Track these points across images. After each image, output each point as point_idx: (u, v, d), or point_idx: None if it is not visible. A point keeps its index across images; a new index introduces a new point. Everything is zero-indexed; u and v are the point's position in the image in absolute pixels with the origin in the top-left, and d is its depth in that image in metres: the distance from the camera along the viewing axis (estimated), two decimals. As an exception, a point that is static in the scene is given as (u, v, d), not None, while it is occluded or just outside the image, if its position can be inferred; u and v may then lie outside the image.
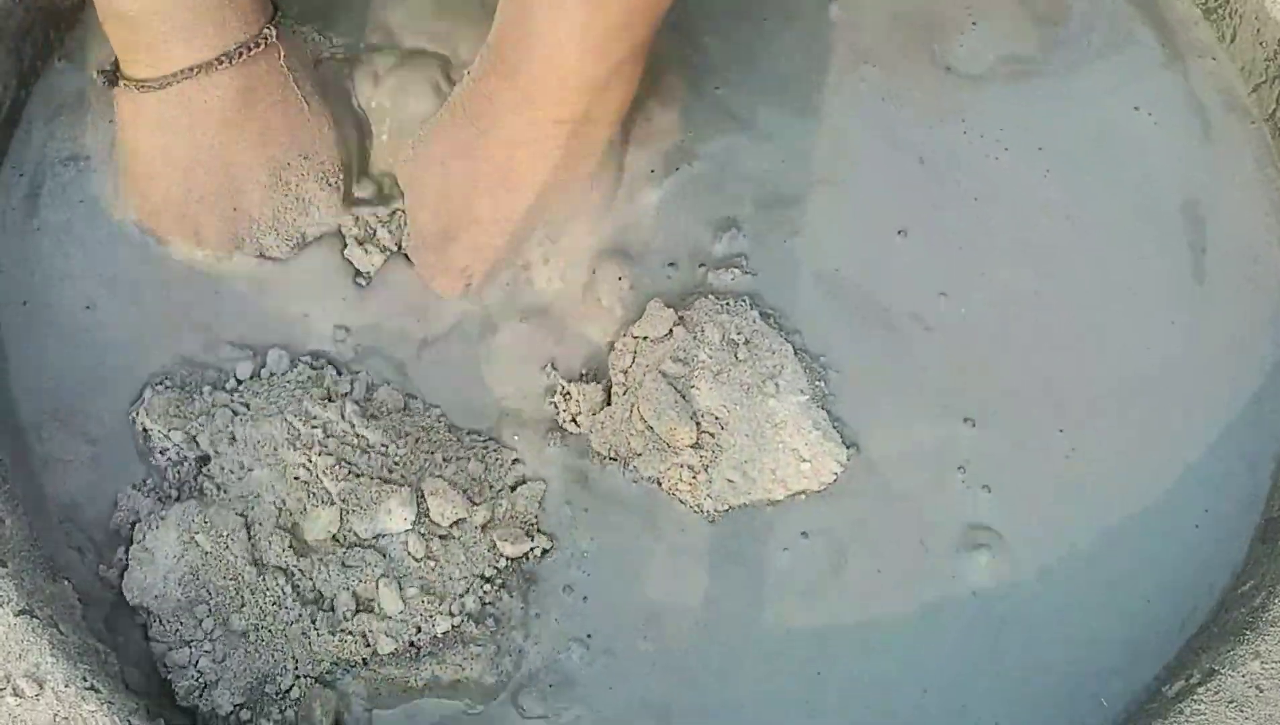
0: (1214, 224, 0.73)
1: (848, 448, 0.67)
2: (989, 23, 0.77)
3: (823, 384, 0.68)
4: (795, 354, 0.68)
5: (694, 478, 0.66)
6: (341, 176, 0.72)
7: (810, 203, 0.73)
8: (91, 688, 0.57)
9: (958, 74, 0.76)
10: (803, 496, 0.66)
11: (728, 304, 0.69)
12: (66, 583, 0.62)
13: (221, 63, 0.66)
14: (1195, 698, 0.59)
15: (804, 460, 0.66)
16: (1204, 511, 0.67)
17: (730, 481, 0.66)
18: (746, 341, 0.68)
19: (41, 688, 0.56)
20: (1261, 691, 0.58)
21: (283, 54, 0.69)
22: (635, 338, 0.69)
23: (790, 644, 0.64)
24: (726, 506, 0.66)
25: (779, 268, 0.71)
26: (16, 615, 0.58)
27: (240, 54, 0.67)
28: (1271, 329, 0.71)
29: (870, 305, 0.71)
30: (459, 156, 0.69)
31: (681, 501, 0.66)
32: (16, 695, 0.56)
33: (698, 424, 0.66)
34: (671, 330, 0.68)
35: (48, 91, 0.75)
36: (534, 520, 0.66)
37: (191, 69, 0.66)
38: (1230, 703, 0.58)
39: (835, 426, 0.67)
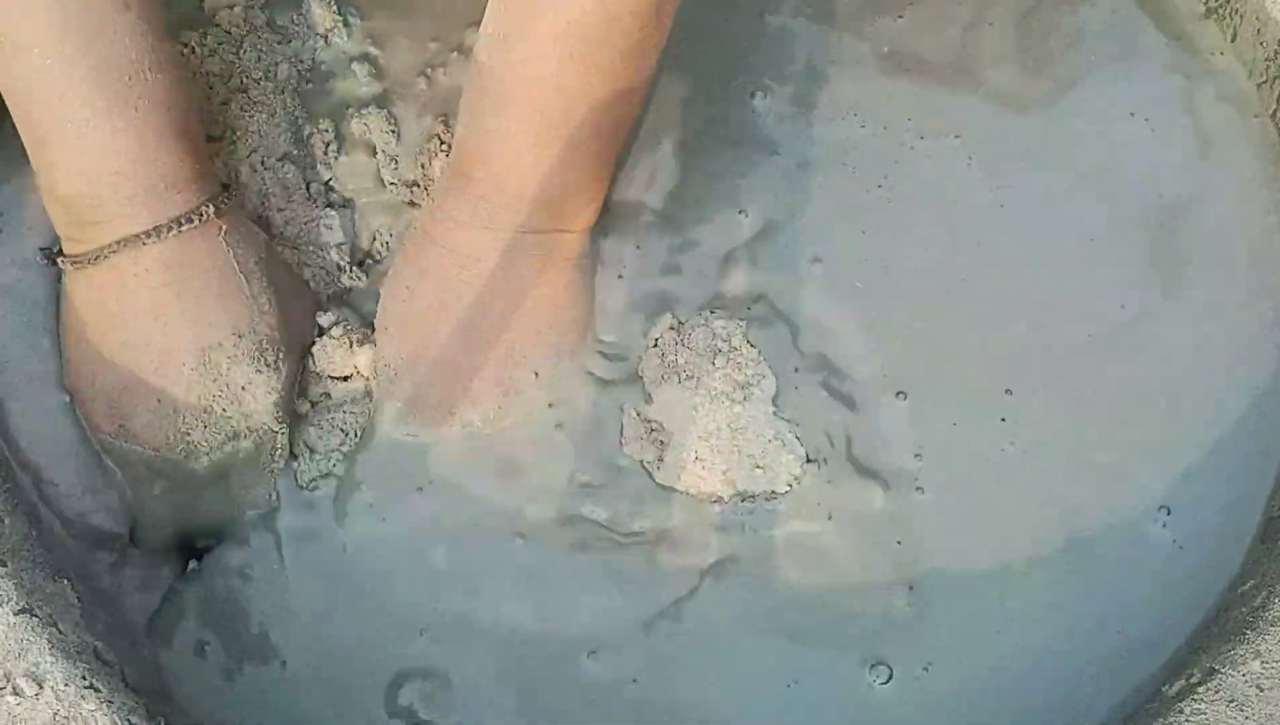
0: (1191, 219, 0.72)
1: (810, 462, 0.67)
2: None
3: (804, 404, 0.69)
4: (772, 376, 0.69)
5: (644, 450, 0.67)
6: (283, 361, 0.66)
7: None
8: (91, 686, 0.57)
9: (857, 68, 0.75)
10: (748, 500, 0.67)
11: (724, 314, 0.70)
12: (66, 582, 0.62)
13: (151, 236, 0.63)
14: (1195, 697, 0.59)
15: (757, 466, 0.67)
16: (1204, 510, 0.67)
17: (680, 466, 0.67)
18: (734, 350, 0.68)
19: (41, 687, 0.56)
20: (1262, 691, 0.58)
21: (224, 231, 0.65)
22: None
23: (706, 622, 0.65)
24: (670, 487, 0.67)
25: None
26: (16, 614, 0.58)
27: (173, 228, 0.63)
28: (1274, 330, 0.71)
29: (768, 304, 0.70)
30: (423, 278, 0.67)
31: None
32: (16, 694, 0.56)
33: (663, 443, 0.67)
34: (662, 334, 0.69)
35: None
36: None
37: (121, 241, 0.63)
38: (1230, 702, 0.58)
39: (798, 440, 0.68)
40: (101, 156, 0.62)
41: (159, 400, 0.64)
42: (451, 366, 0.67)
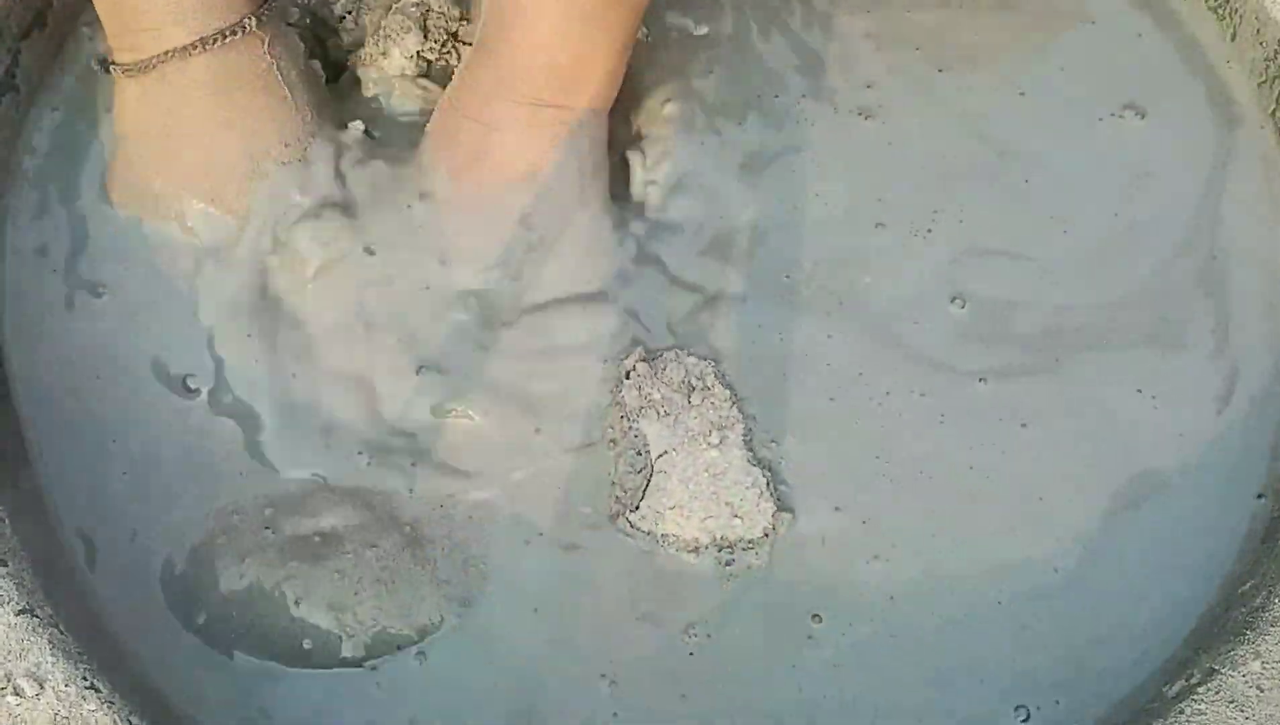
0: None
1: (785, 512, 0.66)
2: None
3: (775, 445, 0.67)
4: (743, 418, 0.68)
5: (620, 497, 0.66)
6: None
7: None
8: (92, 687, 0.57)
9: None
10: (725, 550, 0.65)
11: (693, 352, 0.69)
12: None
13: (197, 48, 0.67)
14: (1195, 697, 0.59)
15: (736, 516, 0.65)
16: (1204, 511, 0.67)
17: (658, 512, 0.66)
18: (706, 388, 0.68)
19: (42, 687, 0.56)
20: (1262, 691, 0.58)
21: (267, 42, 0.69)
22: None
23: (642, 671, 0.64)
24: (646, 532, 0.66)
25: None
26: (17, 614, 0.58)
27: (217, 40, 0.67)
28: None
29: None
30: (444, 145, 0.70)
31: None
32: (17, 694, 0.56)
33: (649, 470, 0.66)
34: (635, 366, 0.68)
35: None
36: None
37: (168, 52, 0.67)
38: (1230, 702, 0.58)
39: (771, 492, 0.66)
40: None
41: (214, 200, 0.69)
42: (457, 229, 0.69)
